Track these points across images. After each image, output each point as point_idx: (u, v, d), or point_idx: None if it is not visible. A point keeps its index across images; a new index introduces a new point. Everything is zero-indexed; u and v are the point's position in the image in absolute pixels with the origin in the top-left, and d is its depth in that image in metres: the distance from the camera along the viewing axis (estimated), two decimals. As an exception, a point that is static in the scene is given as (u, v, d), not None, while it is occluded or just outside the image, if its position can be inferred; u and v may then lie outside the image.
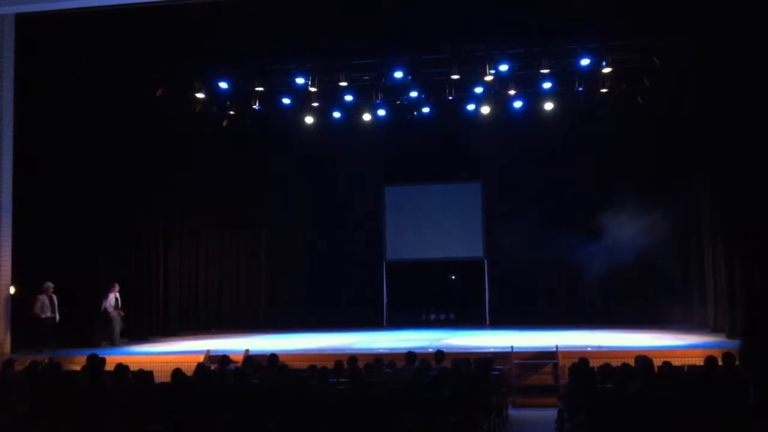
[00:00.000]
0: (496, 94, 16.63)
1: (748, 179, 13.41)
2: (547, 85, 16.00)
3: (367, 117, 17.69)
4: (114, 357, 11.52)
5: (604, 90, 16.29)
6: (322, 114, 17.76)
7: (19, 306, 13.60)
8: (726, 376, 7.85)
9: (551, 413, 8.83)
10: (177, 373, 8.22)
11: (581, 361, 9.16)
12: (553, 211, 18.35)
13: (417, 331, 17.26)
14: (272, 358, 10.24)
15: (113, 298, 14.88)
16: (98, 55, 14.57)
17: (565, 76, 15.90)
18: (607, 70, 15.41)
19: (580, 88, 16.01)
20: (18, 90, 13.59)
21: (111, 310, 14.79)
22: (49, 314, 13.97)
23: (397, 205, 19.40)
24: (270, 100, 17.24)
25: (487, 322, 18.29)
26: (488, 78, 15.81)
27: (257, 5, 13.32)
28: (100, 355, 9.82)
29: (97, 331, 14.93)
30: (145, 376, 8.91)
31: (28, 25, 13.61)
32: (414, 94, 16.83)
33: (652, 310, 17.05)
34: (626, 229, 16.85)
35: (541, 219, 18.27)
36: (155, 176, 17.21)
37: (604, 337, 14.59)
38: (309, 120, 17.86)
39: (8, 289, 13.35)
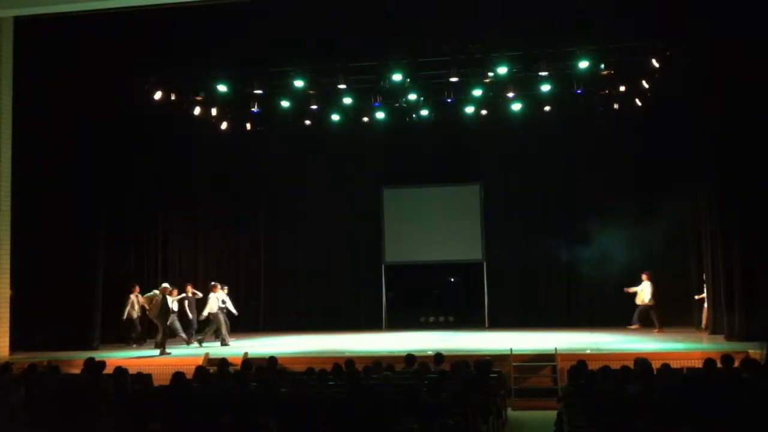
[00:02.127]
0: (494, 96, 16.63)
1: (747, 180, 13.43)
2: (545, 88, 15.98)
3: (365, 119, 17.70)
4: (113, 360, 11.51)
5: (603, 92, 16.33)
6: (321, 116, 17.75)
7: (18, 308, 13.62)
8: (725, 378, 7.86)
9: (550, 415, 8.83)
10: (177, 375, 8.20)
11: (580, 363, 9.17)
12: (552, 212, 18.40)
13: (416, 333, 17.25)
14: (271, 360, 10.24)
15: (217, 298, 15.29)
16: (97, 58, 14.57)
17: (564, 78, 15.89)
18: (605, 72, 15.42)
19: (579, 90, 16.00)
20: (17, 91, 13.61)
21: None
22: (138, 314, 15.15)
23: (396, 208, 19.38)
24: (268, 102, 17.22)
25: (486, 325, 18.28)
26: (487, 80, 15.83)
27: (256, 8, 13.33)
28: (98, 358, 9.84)
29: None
30: (144, 379, 8.91)
31: (26, 27, 13.62)
32: (413, 96, 16.81)
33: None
34: (625, 231, 16.87)
35: (539, 221, 18.31)
36: (154, 179, 17.20)
37: (603, 338, 14.61)
38: (307, 122, 17.86)
39: (7, 291, 13.35)
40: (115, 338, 15.65)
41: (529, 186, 18.48)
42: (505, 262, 18.39)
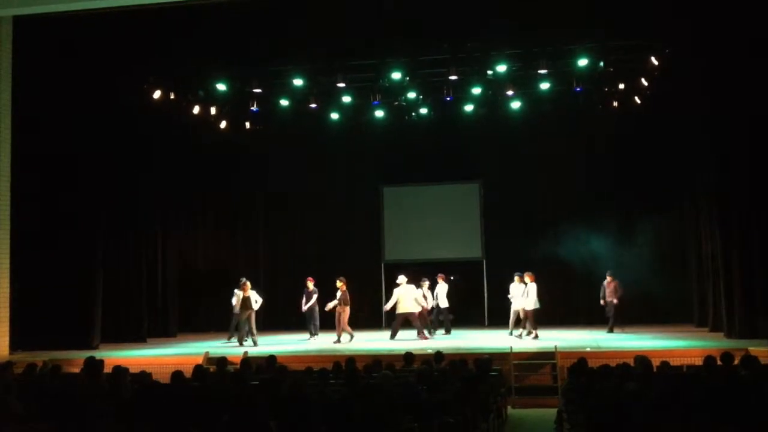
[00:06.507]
0: (493, 94, 16.64)
1: (747, 179, 13.44)
2: (544, 86, 15.99)
3: (365, 118, 17.69)
4: (112, 359, 11.49)
5: (603, 90, 16.32)
6: (320, 115, 17.75)
7: (18, 307, 13.61)
8: (725, 376, 7.85)
9: (550, 413, 8.84)
10: (177, 375, 8.20)
11: (580, 361, 9.17)
12: (551, 210, 18.41)
13: (416, 332, 17.20)
14: (270, 359, 10.24)
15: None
16: (96, 57, 14.55)
17: (563, 76, 15.90)
18: (604, 70, 15.42)
19: (578, 89, 16.00)
20: (16, 91, 13.58)
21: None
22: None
23: (396, 206, 19.39)
24: (268, 101, 17.22)
25: (486, 323, 18.28)
26: (486, 79, 15.83)
27: (254, 7, 13.32)
28: (98, 357, 9.82)
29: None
30: (144, 378, 8.89)
31: (25, 26, 13.60)
32: (412, 95, 16.83)
33: (651, 309, 17.05)
34: (624, 229, 16.88)
35: (539, 219, 18.32)
36: (154, 177, 17.20)
37: (602, 337, 14.61)
38: (306, 121, 17.85)
39: (7, 290, 13.34)
40: (114, 337, 15.63)
41: (528, 184, 18.50)
42: (504, 260, 18.36)
